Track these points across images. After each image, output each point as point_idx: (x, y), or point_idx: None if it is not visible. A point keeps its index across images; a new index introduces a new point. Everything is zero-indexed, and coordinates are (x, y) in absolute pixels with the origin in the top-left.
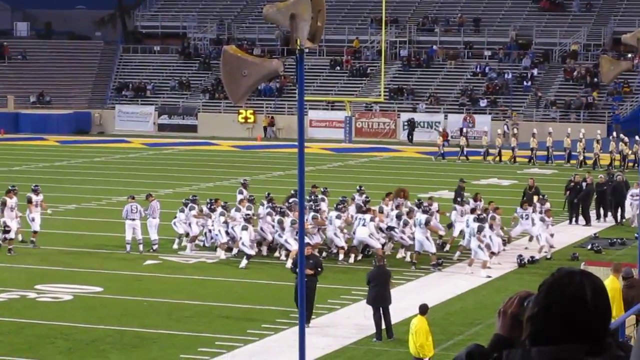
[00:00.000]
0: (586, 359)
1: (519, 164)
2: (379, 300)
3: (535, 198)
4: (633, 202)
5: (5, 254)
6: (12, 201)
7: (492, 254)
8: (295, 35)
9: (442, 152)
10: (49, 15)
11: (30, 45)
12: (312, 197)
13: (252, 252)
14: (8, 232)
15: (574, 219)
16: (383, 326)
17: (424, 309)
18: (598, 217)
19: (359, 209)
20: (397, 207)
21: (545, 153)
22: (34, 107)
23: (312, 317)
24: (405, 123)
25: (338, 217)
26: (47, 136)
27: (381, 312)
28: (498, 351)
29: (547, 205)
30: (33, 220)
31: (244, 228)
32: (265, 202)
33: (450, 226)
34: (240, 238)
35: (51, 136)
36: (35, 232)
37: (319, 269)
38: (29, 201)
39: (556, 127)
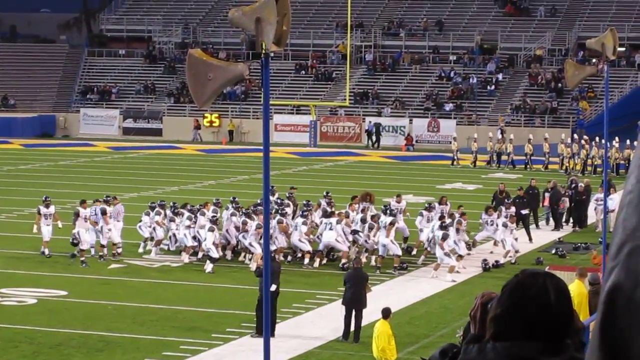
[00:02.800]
0: (540, 358)
1: (480, 168)
2: (353, 302)
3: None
4: (597, 207)
5: None
6: (85, 211)
7: (460, 257)
8: (260, 39)
9: (456, 157)
10: (13, 19)
11: None
12: (278, 201)
13: (217, 255)
14: (76, 244)
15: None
16: (352, 328)
17: (386, 313)
18: (580, 226)
19: (324, 213)
20: (363, 210)
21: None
22: None
23: (277, 321)
24: (372, 127)
25: (304, 223)
26: (11, 139)
27: (353, 314)
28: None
29: (512, 209)
30: (110, 231)
31: (210, 230)
32: (230, 206)
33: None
34: (205, 239)
35: (16, 139)
36: (114, 244)
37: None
38: (104, 213)
39: (519, 131)
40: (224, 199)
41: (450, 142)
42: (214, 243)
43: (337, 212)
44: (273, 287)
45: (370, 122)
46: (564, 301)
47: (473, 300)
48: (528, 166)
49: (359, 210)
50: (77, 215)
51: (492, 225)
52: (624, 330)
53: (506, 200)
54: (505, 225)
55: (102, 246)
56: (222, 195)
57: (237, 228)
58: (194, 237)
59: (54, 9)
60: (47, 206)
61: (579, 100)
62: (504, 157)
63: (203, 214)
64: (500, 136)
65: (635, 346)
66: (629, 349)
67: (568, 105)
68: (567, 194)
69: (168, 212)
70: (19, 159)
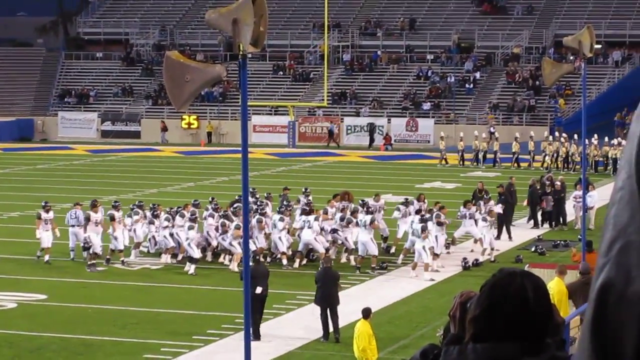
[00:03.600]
0: (522, 358)
1: (459, 167)
2: (325, 301)
3: None
4: (576, 204)
5: None
6: (96, 216)
7: (435, 255)
8: (237, 40)
9: (444, 156)
10: None
11: None
12: (258, 201)
13: (197, 256)
14: (88, 248)
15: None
16: (331, 328)
17: (366, 313)
18: (557, 224)
19: (303, 212)
20: (342, 210)
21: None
22: None
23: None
24: (332, 127)
25: (281, 219)
26: None
27: (328, 313)
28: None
29: (491, 203)
30: (116, 238)
31: (190, 228)
32: (209, 207)
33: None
34: (187, 239)
35: None
36: (120, 250)
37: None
38: (112, 218)
39: (498, 130)
40: (203, 201)
41: (429, 142)
42: (195, 244)
43: (315, 210)
44: (259, 290)
45: (332, 123)
46: (543, 299)
47: (453, 300)
48: (514, 164)
49: (339, 209)
50: (87, 219)
51: (470, 218)
52: (616, 328)
53: (484, 196)
54: (484, 220)
55: (121, 251)
56: (202, 197)
57: (216, 229)
58: (173, 238)
59: (30, 12)
60: (47, 211)
61: (556, 97)
62: (489, 156)
63: (182, 216)
64: (487, 135)
65: (627, 344)
66: (620, 347)
67: (546, 102)
68: (550, 192)
69: (147, 213)
70: None
